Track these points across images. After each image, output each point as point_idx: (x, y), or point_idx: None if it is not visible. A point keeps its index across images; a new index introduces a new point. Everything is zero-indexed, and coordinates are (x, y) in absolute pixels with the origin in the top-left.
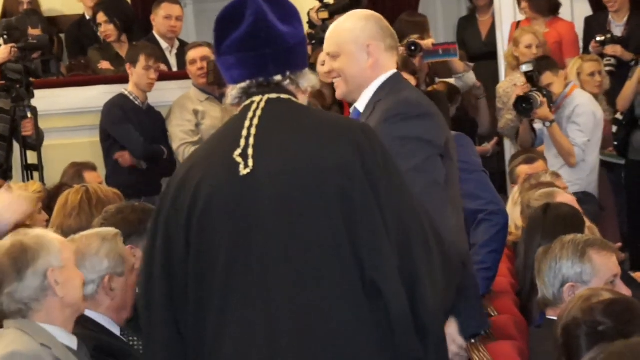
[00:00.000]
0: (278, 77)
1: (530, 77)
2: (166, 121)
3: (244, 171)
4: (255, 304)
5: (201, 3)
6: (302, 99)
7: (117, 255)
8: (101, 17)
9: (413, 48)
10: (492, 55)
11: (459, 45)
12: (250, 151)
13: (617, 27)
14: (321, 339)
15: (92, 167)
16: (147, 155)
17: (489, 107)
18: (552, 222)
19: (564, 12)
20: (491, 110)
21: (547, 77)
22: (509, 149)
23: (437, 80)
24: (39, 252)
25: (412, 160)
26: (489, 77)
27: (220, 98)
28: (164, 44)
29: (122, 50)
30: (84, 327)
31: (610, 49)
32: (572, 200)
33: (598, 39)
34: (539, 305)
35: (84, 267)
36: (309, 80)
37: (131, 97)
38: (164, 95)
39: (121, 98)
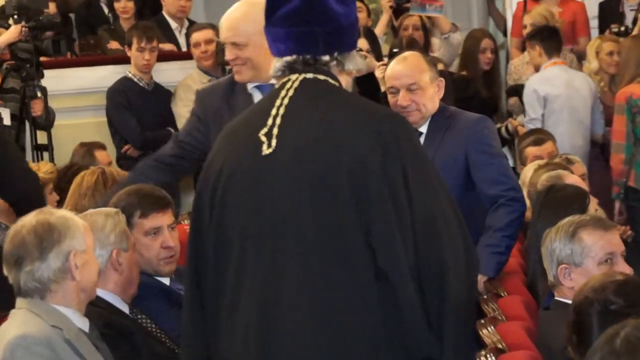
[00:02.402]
0: (326, 57)
1: None
2: (171, 102)
3: (266, 151)
4: (265, 281)
5: None
6: (344, 81)
7: (121, 231)
8: None
9: None
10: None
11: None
12: (275, 131)
13: (631, 8)
14: (327, 319)
15: (102, 147)
16: (145, 144)
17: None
18: (551, 204)
19: None
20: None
21: None
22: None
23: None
24: (65, 233)
25: None
26: None
27: None
28: (173, 24)
29: None
30: (93, 305)
31: None
32: (579, 182)
33: (613, 29)
34: (547, 287)
35: None
36: (355, 63)
37: (135, 79)
38: (172, 75)
39: (124, 81)
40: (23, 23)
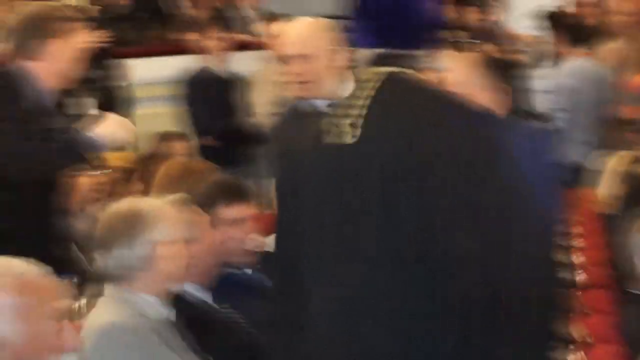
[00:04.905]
0: (417, 52)
1: None
2: (248, 92)
3: (349, 140)
4: (332, 273)
5: None
6: (433, 78)
7: (188, 221)
8: None
9: (481, 4)
10: None
11: None
12: (360, 121)
13: None
14: (368, 310)
15: (182, 137)
16: (222, 134)
17: None
18: None
19: None
20: None
21: None
22: None
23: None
24: (154, 222)
25: None
26: None
27: None
28: (248, 14)
29: None
30: (175, 297)
31: None
32: None
33: None
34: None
35: None
36: (444, 62)
37: (212, 69)
38: (248, 64)
39: (201, 71)
40: (96, 30)
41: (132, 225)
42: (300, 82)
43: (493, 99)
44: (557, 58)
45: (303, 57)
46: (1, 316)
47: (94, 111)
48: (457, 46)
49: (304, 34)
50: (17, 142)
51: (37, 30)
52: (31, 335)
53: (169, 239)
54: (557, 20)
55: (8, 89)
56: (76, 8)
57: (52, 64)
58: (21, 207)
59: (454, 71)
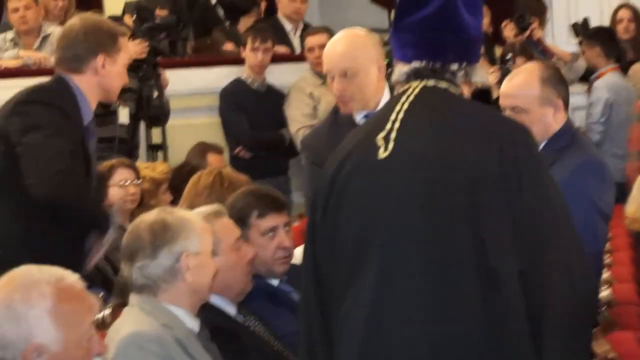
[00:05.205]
0: (454, 66)
1: None
2: (284, 104)
3: (382, 154)
4: (375, 285)
5: None
6: (466, 91)
7: (215, 233)
8: None
9: (521, 20)
10: None
11: None
12: (393, 135)
13: None
14: (431, 327)
15: (218, 150)
16: (257, 146)
17: None
18: None
19: None
20: None
21: None
22: None
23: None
24: (179, 234)
25: None
26: None
27: None
28: (288, 26)
29: None
30: (200, 308)
31: None
32: None
33: None
34: None
35: None
36: (480, 76)
37: (248, 81)
38: (285, 77)
39: (237, 83)
40: (145, 40)
41: (157, 235)
42: (339, 95)
43: (551, 113)
44: (592, 73)
45: (343, 71)
46: (41, 322)
47: (124, 120)
48: (494, 60)
49: (344, 47)
50: (84, 183)
51: (85, 43)
52: (68, 342)
53: (195, 251)
54: (593, 36)
55: (71, 101)
56: (116, 20)
57: (97, 78)
58: (58, 224)
59: (514, 84)
